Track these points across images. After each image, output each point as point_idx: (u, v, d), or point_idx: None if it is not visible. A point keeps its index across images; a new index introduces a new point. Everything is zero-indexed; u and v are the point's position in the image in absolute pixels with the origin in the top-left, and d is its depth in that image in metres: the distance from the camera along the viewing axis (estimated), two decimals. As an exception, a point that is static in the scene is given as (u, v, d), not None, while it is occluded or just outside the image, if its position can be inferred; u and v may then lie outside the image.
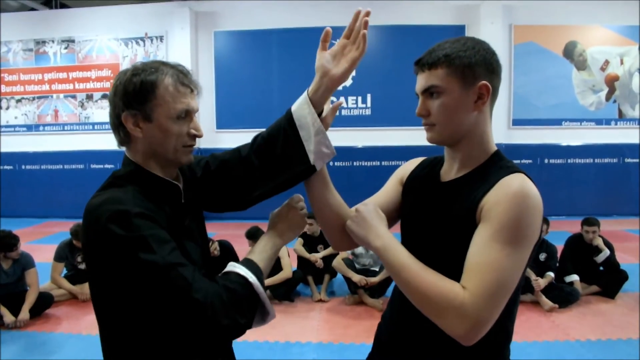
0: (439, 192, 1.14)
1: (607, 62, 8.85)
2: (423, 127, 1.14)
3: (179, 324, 0.99)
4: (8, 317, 3.87)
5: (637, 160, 8.92)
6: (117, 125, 1.08)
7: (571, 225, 4.86)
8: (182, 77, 1.09)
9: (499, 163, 1.08)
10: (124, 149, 1.14)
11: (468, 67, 1.02)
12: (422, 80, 1.08)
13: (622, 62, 8.85)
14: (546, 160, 9.05)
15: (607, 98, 8.95)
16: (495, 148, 1.11)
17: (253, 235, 4.44)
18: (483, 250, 0.95)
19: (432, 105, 1.07)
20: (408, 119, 8.65)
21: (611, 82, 8.90)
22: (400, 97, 8.23)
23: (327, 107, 1.18)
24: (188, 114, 1.10)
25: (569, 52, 8.86)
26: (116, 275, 1.00)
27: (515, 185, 0.97)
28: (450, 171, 1.14)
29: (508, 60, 8.87)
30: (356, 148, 9.01)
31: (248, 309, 1.05)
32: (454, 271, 1.00)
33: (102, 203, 1.01)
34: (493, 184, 0.99)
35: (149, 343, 1.07)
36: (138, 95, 1.04)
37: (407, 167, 1.31)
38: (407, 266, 1.00)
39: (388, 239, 1.06)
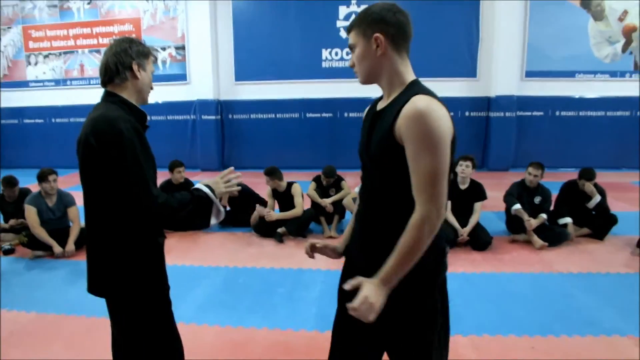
0: (373, 119, 1.46)
1: (625, 12, 8.75)
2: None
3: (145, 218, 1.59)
4: (57, 248, 4.44)
5: (651, 113, 8.97)
6: (125, 69, 1.65)
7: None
8: (155, 54, 1.81)
9: (409, 90, 1.36)
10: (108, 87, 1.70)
11: (366, 25, 1.38)
12: (348, 41, 1.46)
13: (641, 12, 8.73)
14: (558, 113, 9.16)
15: (624, 50, 8.91)
16: (411, 79, 1.42)
17: (271, 173, 4.98)
18: (414, 168, 1.28)
19: (354, 57, 1.44)
20: (423, 69, 8.78)
21: (629, 33, 8.82)
22: (413, 47, 8.35)
23: None
24: (152, 74, 1.80)
25: (587, 2, 8.76)
26: (113, 167, 1.51)
27: (415, 106, 1.26)
28: (383, 103, 1.47)
29: (523, 12, 8.86)
30: (371, 99, 9.21)
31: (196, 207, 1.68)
32: (390, 184, 1.37)
33: (120, 117, 1.54)
34: (401, 107, 1.31)
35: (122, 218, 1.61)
36: (144, 55, 1.71)
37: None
38: (401, 263, 1.29)
39: (383, 280, 1.30)
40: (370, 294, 1.28)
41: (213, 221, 1.73)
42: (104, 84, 1.69)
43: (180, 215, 1.61)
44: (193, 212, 1.65)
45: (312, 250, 1.73)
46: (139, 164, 1.52)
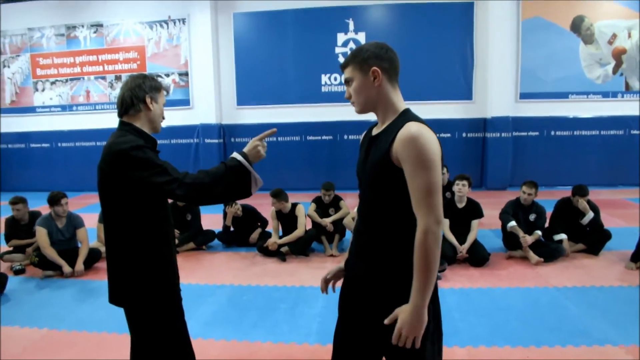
0: (370, 143, 1.62)
1: (614, 36, 9.04)
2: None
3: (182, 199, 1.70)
4: (66, 268, 4.57)
5: (642, 132, 9.17)
6: (139, 101, 1.83)
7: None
8: (167, 88, 2.11)
9: (402, 118, 1.52)
10: (123, 118, 1.86)
11: (362, 60, 1.54)
12: (344, 76, 1.62)
13: (629, 35, 9.03)
14: (552, 133, 9.36)
15: (614, 71, 9.17)
16: (403, 108, 1.58)
17: (277, 195, 5.13)
18: (412, 186, 1.43)
19: (350, 90, 1.60)
20: (421, 93, 9.05)
21: (618, 55, 9.10)
22: (411, 73, 8.64)
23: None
24: (164, 105, 1.97)
25: (576, 26, 9.07)
26: (131, 180, 1.67)
27: (409, 132, 1.42)
28: (379, 128, 1.63)
29: (516, 36, 9.15)
30: (369, 122, 9.44)
31: (240, 179, 1.73)
32: (384, 201, 1.52)
33: (127, 141, 1.70)
34: (396, 134, 1.48)
35: (143, 226, 1.79)
36: (156, 89, 1.88)
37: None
38: (422, 280, 1.41)
39: (414, 304, 1.43)
40: (403, 324, 1.44)
41: (253, 190, 1.76)
42: (120, 115, 1.87)
43: (218, 190, 1.68)
44: (231, 184, 1.70)
45: (327, 283, 1.85)
46: (152, 163, 1.67)
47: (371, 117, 1.56)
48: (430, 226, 1.41)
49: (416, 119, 1.51)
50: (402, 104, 1.59)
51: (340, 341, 1.77)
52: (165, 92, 1.96)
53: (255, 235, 5.46)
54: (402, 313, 1.45)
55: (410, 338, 1.45)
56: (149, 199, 1.76)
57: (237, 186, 1.71)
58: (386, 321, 1.48)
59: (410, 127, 1.44)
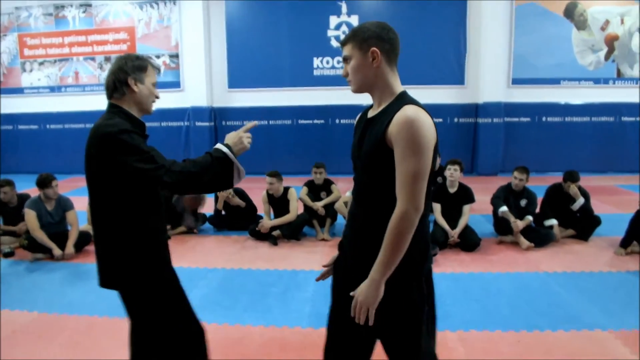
0: (365, 126, 1.60)
1: (607, 22, 9.03)
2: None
3: (169, 189, 1.67)
4: (56, 251, 4.53)
5: (634, 118, 9.23)
6: (121, 84, 1.76)
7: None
8: (157, 66, 1.89)
9: (400, 100, 1.50)
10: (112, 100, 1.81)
11: (363, 40, 1.51)
12: (343, 53, 1.59)
13: (622, 22, 9.02)
14: (544, 119, 9.39)
15: (606, 57, 9.18)
16: (400, 90, 1.56)
17: (276, 174, 5.12)
18: (399, 169, 1.42)
19: (348, 68, 1.57)
20: (413, 77, 8.98)
21: (611, 42, 9.10)
22: (404, 56, 8.56)
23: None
24: (155, 85, 1.87)
25: (570, 12, 9.03)
26: (117, 164, 1.63)
27: (405, 115, 1.40)
28: (374, 111, 1.61)
29: (509, 22, 9.10)
30: (362, 106, 9.39)
31: (223, 169, 1.71)
32: (378, 184, 1.51)
33: (115, 124, 1.66)
34: (393, 116, 1.45)
35: (131, 209, 1.75)
36: (140, 69, 1.79)
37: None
38: (387, 257, 1.43)
39: (372, 277, 1.46)
40: (359, 294, 1.48)
41: (236, 181, 1.74)
42: (108, 98, 1.81)
43: (204, 179, 1.67)
44: (217, 175, 1.69)
45: (327, 273, 1.86)
46: (139, 149, 1.63)
47: (364, 101, 1.53)
48: (408, 212, 1.42)
49: (414, 102, 1.49)
50: (399, 87, 1.57)
51: (335, 325, 1.77)
52: (157, 71, 1.88)
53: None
54: (362, 284, 1.49)
55: (363, 308, 1.47)
56: (136, 182, 1.73)
57: (222, 177, 1.71)
58: (352, 293, 1.52)
59: (408, 110, 1.42)
